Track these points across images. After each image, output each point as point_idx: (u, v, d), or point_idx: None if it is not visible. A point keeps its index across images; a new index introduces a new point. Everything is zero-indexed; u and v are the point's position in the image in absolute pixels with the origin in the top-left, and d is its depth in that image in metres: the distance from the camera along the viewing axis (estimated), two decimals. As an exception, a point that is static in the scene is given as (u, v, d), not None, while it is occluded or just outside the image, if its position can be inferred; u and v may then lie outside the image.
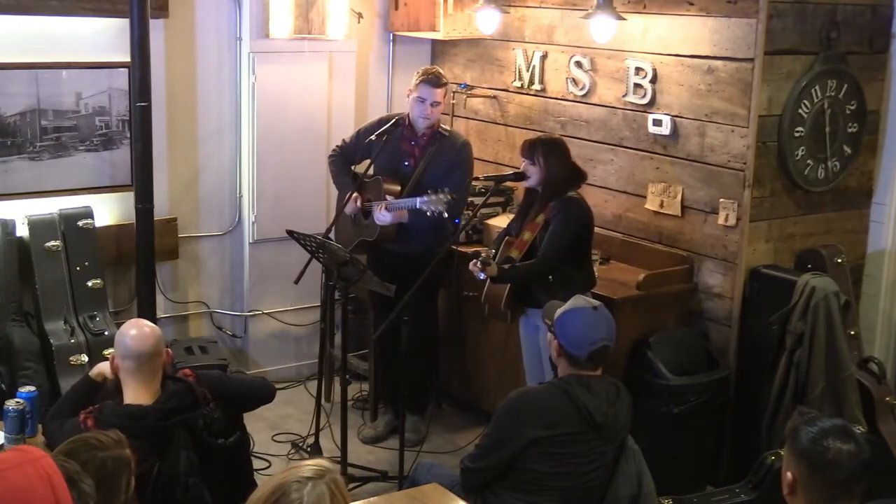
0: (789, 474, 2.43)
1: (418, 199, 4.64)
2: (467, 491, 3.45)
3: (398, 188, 4.92)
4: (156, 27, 5.11)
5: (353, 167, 5.19)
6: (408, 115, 4.98)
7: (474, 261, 4.32)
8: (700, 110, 4.77)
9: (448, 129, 5.10)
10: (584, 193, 4.52)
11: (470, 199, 5.27)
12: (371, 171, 4.94)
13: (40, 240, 4.92)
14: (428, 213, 4.59)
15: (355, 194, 4.92)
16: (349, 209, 4.96)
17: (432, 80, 4.90)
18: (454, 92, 5.98)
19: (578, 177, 4.48)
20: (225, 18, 5.50)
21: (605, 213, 5.20)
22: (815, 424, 2.44)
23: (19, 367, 4.68)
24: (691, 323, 4.88)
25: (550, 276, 4.34)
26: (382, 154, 4.85)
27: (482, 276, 4.32)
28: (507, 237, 4.56)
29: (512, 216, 4.97)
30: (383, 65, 6.12)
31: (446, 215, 4.57)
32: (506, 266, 4.34)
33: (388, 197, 4.86)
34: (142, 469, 2.84)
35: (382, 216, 4.80)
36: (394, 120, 4.91)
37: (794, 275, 4.58)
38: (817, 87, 4.67)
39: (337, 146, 5.22)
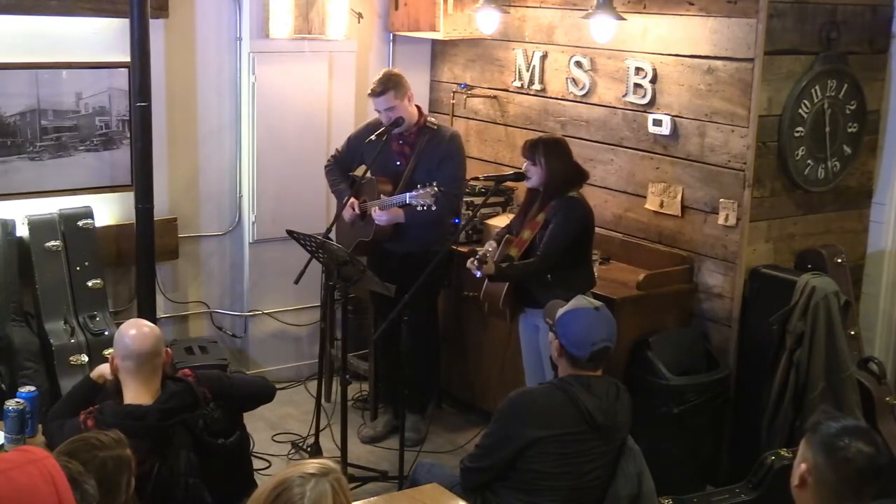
0: (803, 466, 2.42)
1: (407, 195, 4.65)
2: (467, 491, 3.45)
3: (391, 188, 4.93)
4: (156, 27, 5.11)
5: (350, 173, 5.18)
6: None
7: (471, 259, 4.32)
8: (700, 110, 4.77)
9: (436, 123, 5.08)
10: (584, 193, 4.52)
11: (470, 199, 5.28)
12: (367, 174, 4.94)
13: (40, 240, 4.92)
14: (418, 208, 4.58)
15: (352, 200, 4.92)
16: (347, 216, 4.97)
17: (371, 92, 4.90)
18: (454, 92, 5.99)
19: (580, 176, 4.48)
20: (225, 18, 5.50)
21: (605, 213, 5.20)
22: (838, 421, 2.45)
23: (19, 367, 4.68)
24: (691, 323, 4.88)
25: (549, 276, 4.34)
26: (377, 156, 4.84)
27: (479, 273, 4.32)
28: (507, 236, 4.56)
29: (512, 216, 4.97)
30: (383, 65, 6.11)
31: (434, 208, 4.57)
32: (504, 264, 4.35)
33: (381, 196, 4.87)
34: (142, 469, 2.84)
35: (379, 217, 4.81)
36: (393, 119, 4.91)
37: (794, 275, 4.59)
38: (817, 87, 4.67)
39: (331, 156, 5.24)
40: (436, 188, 4.54)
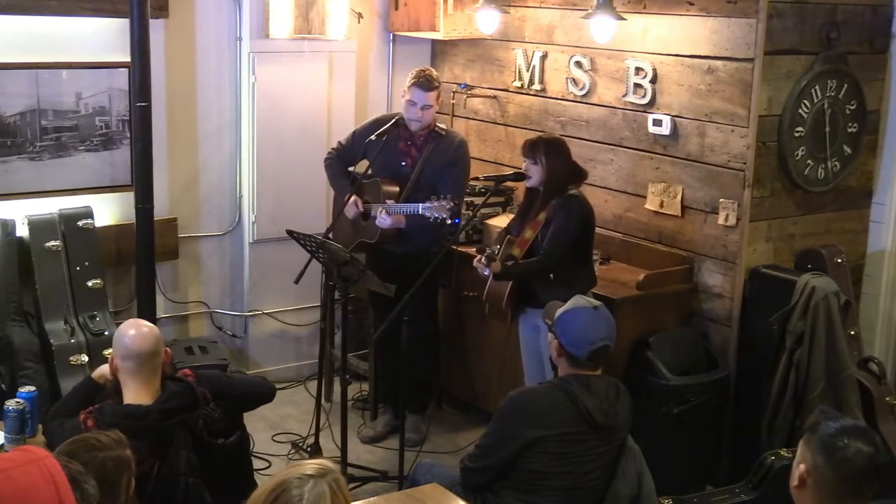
0: (802, 466, 2.42)
1: (421, 206, 4.63)
2: (467, 491, 3.45)
3: (396, 189, 4.92)
4: (156, 27, 5.11)
5: (350, 169, 5.19)
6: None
7: (479, 257, 4.32)
8: (700, 110, 4.77)
9: (444, 128, 5.08)
10: (584, 193, 4.52)
11: (470, 199, 5.28)
12: (369, 172, 4.94)
13: (40, 240, 4.92)
14: (430, 219, 4.59)
15: (355, 197, 4.92)
16: (350, 212, 4.96)
17: (423, 83, 4.88)
18: (454, 92, 5.99)
19: (579, 175, 4.49)
20: (225, 18, 5.50)
21: (605, 213, 5.20)
22: (837, 421, 2.45)
23: (19, 367, 4.68)
24: (691, 323, 4.88)
25: (551, 275, 4.34)
26: (380, 155, 4.85)
27: (487, 271, 4.32)
28: (508, 236, 4.56)
29: (512, 216, 4.97)
30: (383, 65, 6.13)
31: (449, 221, 4.58)
32: (509, 263, 4.35)
33: (388, 200, 4.86)
34: (142, 469, 2.84)
35: (383, 219, 4.80)
36: (394, 120, 4.91)
37: (794, 275, 4.59)
38: (817, 87, 4.67)
39: (333, 149, 5.22)
40: (452, 202, 4.54)
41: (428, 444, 5.07)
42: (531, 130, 5.50)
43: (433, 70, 5.09)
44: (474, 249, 4.49)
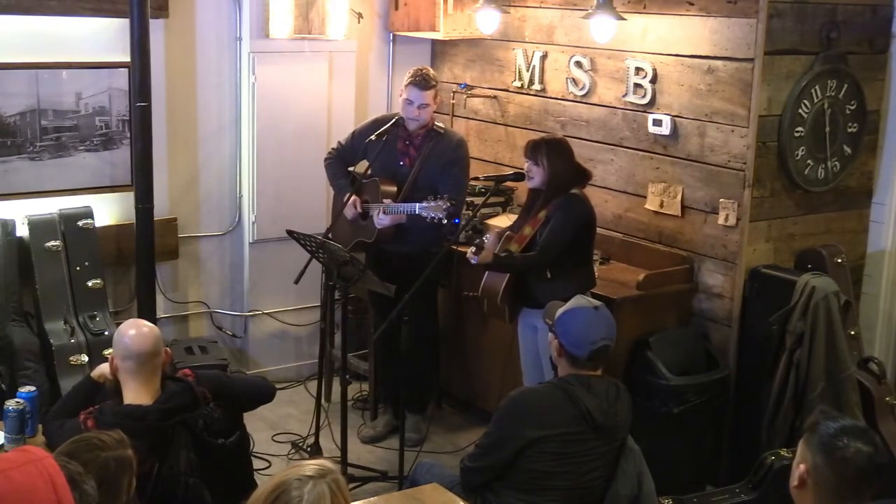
0: (802, 466, 2.42)
1: (418, 206, 4.63)
2: (467, 491, 3.45)
3: (394, 189, 4.92)
4: (156, 27, 5.11)
5: (350, 168, 5.19)
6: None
7: (471, 248, 4.33)
8: (700, 110, 4.77)
9: (443, 127, 5.08)
10: (586, 194, 4.52)
11: (470, 198, 5.28)
12: (369, 172, 4.94)
13: (40, 240, 4.92)
14: (427, 220, 4.59)
15: (354, 197, 4.92)
16: (349, 213, 4.96)
17: (420, 82, 4.88)
18: (454, 92, 5.99)
19: (582, 176, 4.49)
20: (225, 18, 5.50)
21: (605, 213, 5.20)
22: (836, 421, 2.45)
23: (19, 367, 4.68)
24: (691, 323, 4.88)
25: (549, 274, 4.34)
26: (380, 155, 4.86)
27: (475, 260, 4.32)
28: (507, 232, 4.56)
29: (512, 216, 4.96)
30: (383, 65, 6.13)
31: (445, 222, 4.57)
32: (502, 255, 4.35)
33: (385, 200, 4.86)
34: (142, 469, 2.83)
35: (381, 220, 4.81)
36: (393, 120, 4.91)
37: (794, 275, 4.59)
38: (817, 87, 4.67)
39: (333, 148, 5.23)
40: (448, 202, 4.54)
41: (428, 444, 5.07)
42: (531, 130, 5.50)
43: (430, 69, 5.09)
44: (474, 243, 4.49)
